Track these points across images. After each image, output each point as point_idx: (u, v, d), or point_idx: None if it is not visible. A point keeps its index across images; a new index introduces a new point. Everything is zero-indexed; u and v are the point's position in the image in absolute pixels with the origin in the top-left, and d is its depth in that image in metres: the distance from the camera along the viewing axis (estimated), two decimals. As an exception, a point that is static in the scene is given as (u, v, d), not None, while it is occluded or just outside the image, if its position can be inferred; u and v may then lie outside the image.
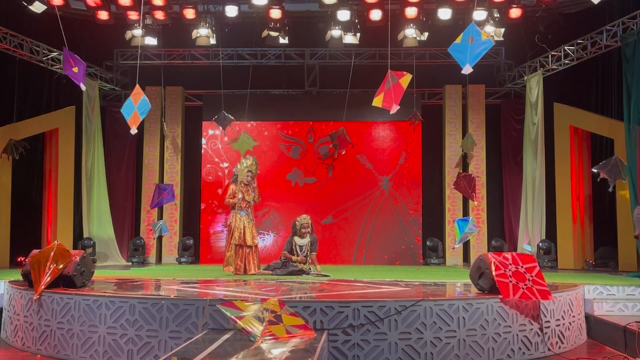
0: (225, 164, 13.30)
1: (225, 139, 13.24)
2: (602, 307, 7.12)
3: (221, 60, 12.72)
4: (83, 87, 8.41)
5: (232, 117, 12.21)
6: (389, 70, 7.87)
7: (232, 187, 9.41)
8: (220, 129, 12.87)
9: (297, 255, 9.05)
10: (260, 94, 13.64)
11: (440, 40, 12.32)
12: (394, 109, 7.92)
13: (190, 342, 4.62)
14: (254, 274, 8.99)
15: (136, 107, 8.54)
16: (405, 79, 7.84)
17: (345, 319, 5.15)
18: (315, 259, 9.14)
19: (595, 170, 10.37)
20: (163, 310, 5.32)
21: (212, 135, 13.35)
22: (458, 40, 6.95)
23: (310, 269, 9.01)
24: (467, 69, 6.87)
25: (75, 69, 8.26)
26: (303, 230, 9.14)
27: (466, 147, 12.72)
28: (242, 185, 9.32)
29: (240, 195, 9.23)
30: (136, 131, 8.47)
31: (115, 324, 5.44)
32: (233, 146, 12.92)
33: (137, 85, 8.36)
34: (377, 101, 7.96)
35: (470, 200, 11.70)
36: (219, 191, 13.19)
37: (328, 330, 5.07)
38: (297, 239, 9.15)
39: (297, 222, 9.22)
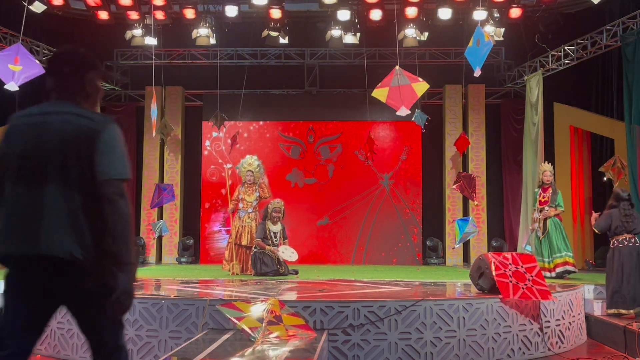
0: (229, 165, 13.27)
1: (229, 141, 13.22)
2: (602, 307, 7.12)
3: (218, 60, 12.69)
4: (13, 88, 7.27)
5: (226, 117, 12.16)
6: (397, 67, 7.61)
7: (238, 188, 9.49)
8: (223, 130, 12.89)
9: (271, 241, 8.77)
10: (260, 94, 13.63)
11: (440, 40, 12.32)
12: (403, 111, 7.54)
13: (190, 342, 4.62)
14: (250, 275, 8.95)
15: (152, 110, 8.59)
16: (420, 87, 7.53)
17: (345, 319, 5.15)
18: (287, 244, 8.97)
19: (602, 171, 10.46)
20: (163, 310, 5.31)
21: (215, 137, 13.34)
22: (470, 43, 7.00)
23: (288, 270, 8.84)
24: (477, 72, 6.93)
25: (17, 68, 6.97)
26: (274, 214, 8.79)
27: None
28: (246, 185, 9.38)
29: (240, 196, 9.29)
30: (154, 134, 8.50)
31: (115, 324, 5.44)
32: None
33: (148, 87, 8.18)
34: (379, 93, 7.50)
35: (470, 200, 11.68)
36: (223, 191, 13.16)
37: (328, 330, 5.08)
38: (270, 225, 8.84)
39: (269, 206, 8.85)
